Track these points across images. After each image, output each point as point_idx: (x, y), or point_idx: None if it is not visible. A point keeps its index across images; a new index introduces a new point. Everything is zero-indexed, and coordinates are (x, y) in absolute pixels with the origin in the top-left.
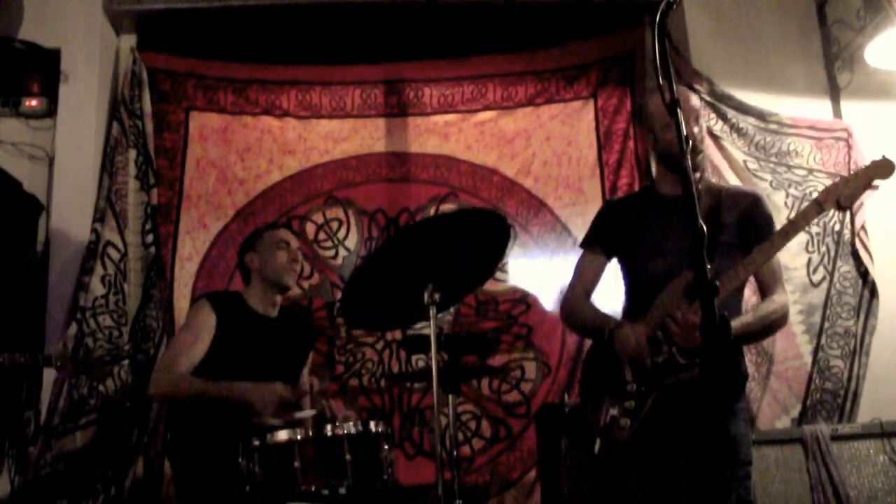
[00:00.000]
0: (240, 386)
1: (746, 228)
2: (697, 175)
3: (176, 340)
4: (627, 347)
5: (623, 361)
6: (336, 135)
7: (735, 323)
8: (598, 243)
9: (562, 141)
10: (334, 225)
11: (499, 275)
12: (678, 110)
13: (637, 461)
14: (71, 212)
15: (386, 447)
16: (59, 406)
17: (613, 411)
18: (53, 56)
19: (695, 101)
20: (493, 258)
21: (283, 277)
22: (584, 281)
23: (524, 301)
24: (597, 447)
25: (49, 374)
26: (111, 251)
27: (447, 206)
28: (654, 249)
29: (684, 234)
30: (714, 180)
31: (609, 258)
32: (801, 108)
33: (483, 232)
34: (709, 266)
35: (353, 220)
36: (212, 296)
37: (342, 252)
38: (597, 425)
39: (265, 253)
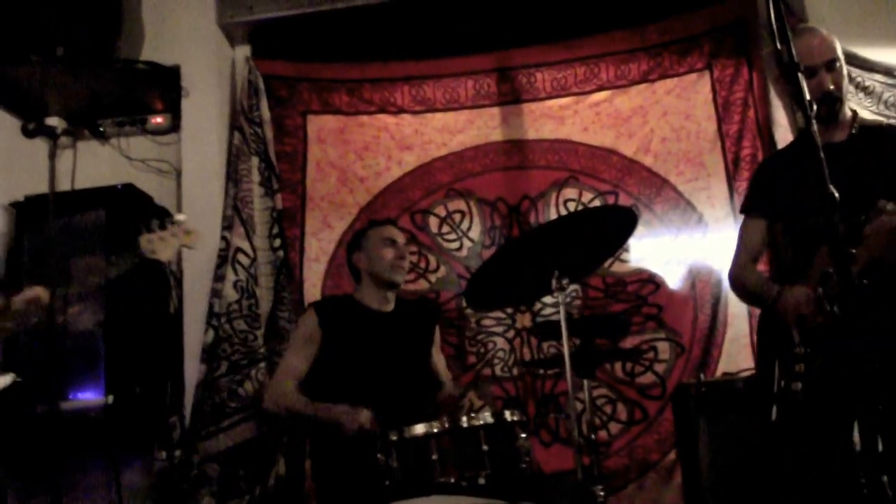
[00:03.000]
0: (334, 409)
1: None
2: (849, 116)
3: (283, 358)
4: (791, 310)
5: (790, 324)
6: (452, 127)
7: None
8: (757, 207)
9: (679, 115)
10: (457, 217)
11: (625, 255)
12: (799, 75)
13: (815, 424)
14: (200, 221)
15: (522, 435)
16: (202, 410)
17: (785, 376)
18: (174, 73)
19: (824, 38)
20: (618, 244)
21: (390, 275)
22: (748, 248)
23: (652, 281)
24: (773, 414)
25: (191, 379)
26: (241, 257)
27: (568, 191)
28: (812, 204)
29: (844, 184)
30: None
31: (771, 220)
32: None
33: (608, 220)
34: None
35: (475, 211)
36: (318, 303)
37: (466, 243)
38: (771, 392)
39: (371, 251)
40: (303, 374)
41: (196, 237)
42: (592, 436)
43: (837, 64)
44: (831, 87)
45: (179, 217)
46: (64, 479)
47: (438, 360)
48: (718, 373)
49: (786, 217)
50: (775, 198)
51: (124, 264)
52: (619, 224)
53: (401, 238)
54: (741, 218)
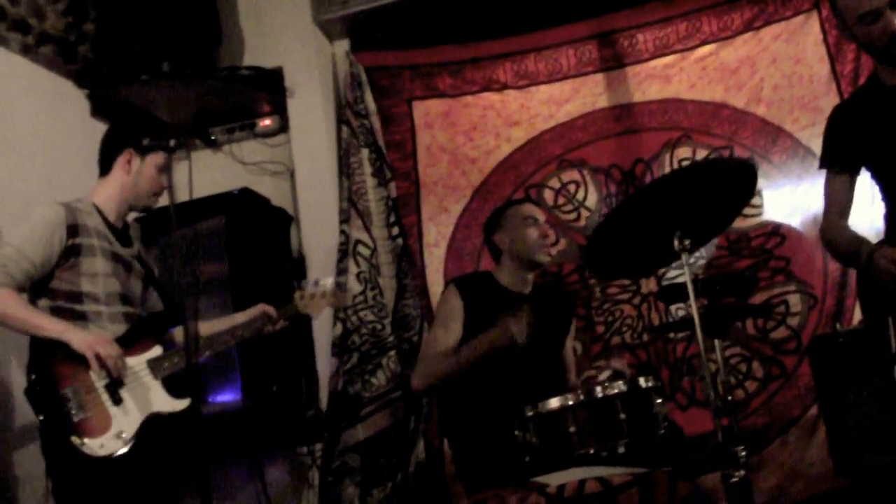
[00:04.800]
0: (474, 342)
1: None
2: None
3: (429, 334)
4: (885, 270)
5: (888, 282)
6: (557, 98)
7: None
8: (836, 160)
9: (789, 61)
10: (571, 188)
11: (746, 210)
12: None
13: None
14: (317, 218)
15: (658, 401)
16: (338, 402)
17: None
18: (277, 75)
19: None
20: (741, 199)
21: (535, 254)
22: (834, 204)
23: (777, 233)
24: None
25: (324, 372)
26: (361, 248)
27: (681, 150)
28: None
29: None
30: None
31: (854, 171)
32: None
33: (727, 175)
34: None
35: (589, 180)
36: (459, 280)
37: (584, 213)
38: (888, 349)
39: (513, 231)
40: (450, 350)
41: (342, 298)
42: (729, 396)
43: None
44: None
45: (326, 281)
46: (211, 479)
47: (569, 351)
48: (855, 321)
49: (870, 166)
50: (854, 148)
51: (284, 313)
52: (738, 179)
53: (541, 216)
54: None
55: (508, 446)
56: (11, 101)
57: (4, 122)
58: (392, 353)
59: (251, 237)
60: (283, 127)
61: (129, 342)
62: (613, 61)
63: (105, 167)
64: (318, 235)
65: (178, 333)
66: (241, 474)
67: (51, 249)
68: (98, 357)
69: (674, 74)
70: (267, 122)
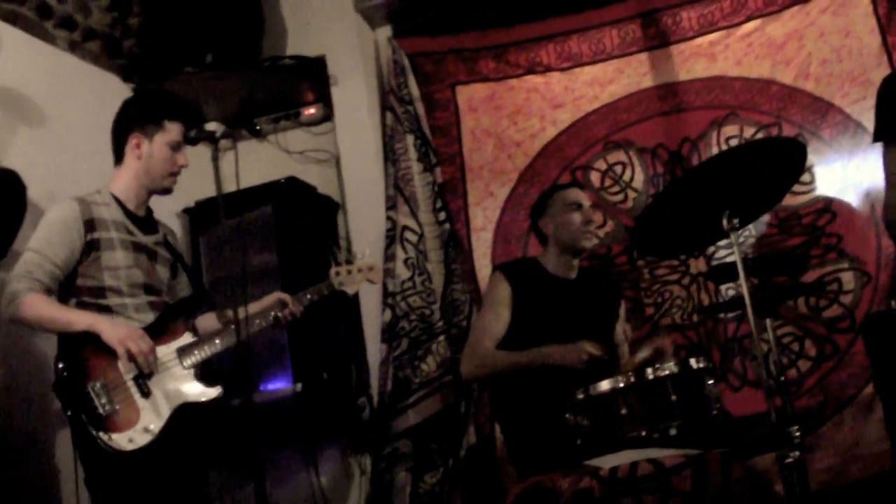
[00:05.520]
0: (547, 350)
1: None
2: None
3: (477, 320)
4: None
5: None
6: (601, 79)
7: None
8: (891, 132)
9: (838, 34)
10: (618, 169)
11: (795, 187)
12: None
13: None
14: (364, 205)
15: (710, 382)
16: (388, 388)
17: None
18: (320, 63)
19: None
20: (790, 177)
21: (579, 240)
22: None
23: (828, 210)
24: None
25: (373, 359)
26: (408, 234)
27: (728, 128)
28: None
29: None
30: None
31: None
32: None
33: (776, 153)
34: None
35: (635, 161)
36: (506, 266)
37: (631, 194)
38: None
39: (558, 216)
40: (500, 336)
41: (379, 273)
42: (782, 376)
43: None
44: None
45: (363, 254)
46: (265, 466)
47: (620, 335)
48: None
49: None
50: None
51: (315, 293)
52: (787, 156)
53: (586, 201)
54: None
55: (560, 430)
56: (60, 97)
57: (54, 117)
58: (441, 338)
59: (299, 225)
60: (328, 115)
61: (158, 331)
62: (657, 40)
63: (118, 155)
64: (364, 222)
65: (201, 322)
66: (294, 461)
67: (71, 247)
68: (129, 353)
69: (719, 52)
70: (311, 110)
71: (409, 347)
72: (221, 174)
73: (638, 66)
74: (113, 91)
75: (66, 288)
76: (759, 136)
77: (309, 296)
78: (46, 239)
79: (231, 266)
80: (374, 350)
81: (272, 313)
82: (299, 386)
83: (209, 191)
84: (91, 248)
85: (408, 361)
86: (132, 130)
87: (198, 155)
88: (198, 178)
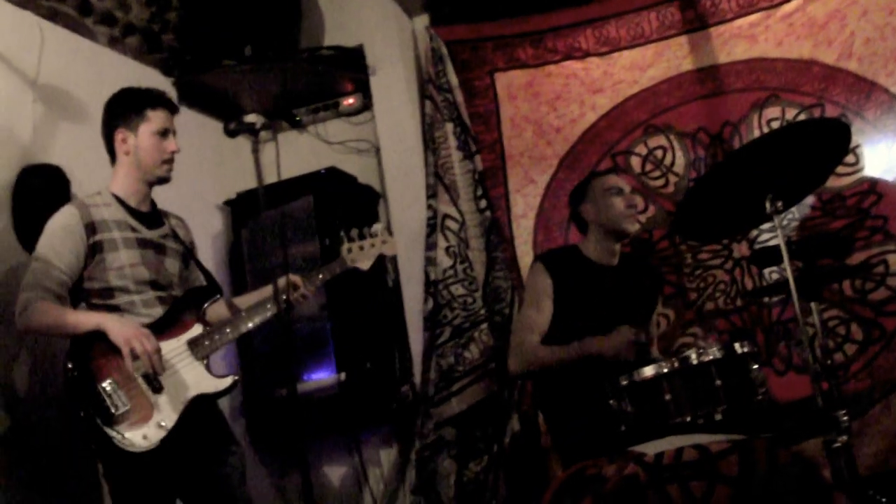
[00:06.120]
0: (589, 342)
1: None
2: None
3: (520, 315)
4: None
5: None
6: (640, 63)
7: None
8: None
9: (881, 12)
10: (658, 153)
11: (839, 169)
12: None
13: None
14: (404, 194)
15: (755, 366)
16: (431, 376)
17: None
18: (358, 53)
19: None
20: (833, 159)
21: (622, 225)
22: None
23: (873, 191)
24: None
25: (416, 348)
26: (449, 223)
27: (770, 110)
28: None
29: None
30: None
31: None
32: None
33: (818, 135)
34: None
35: (676, 145)
36: (545, 256)
37: (672, 179)
38: None
39: (599, 202)
40: (544, 329)
41: (393, 246)
42: (828, 360)
43: None
44: None
45: (376, 227)
46: (310, 455)
47: (653, 324)
48: None
49: None
50: None
51: (328, 272)
52: (830, 138)
53: (626, 186)
54: None
55: (603, 416)
56: (101, 93)
57: (96, 113)
58: (484, 325)
59: (340, 215)
60: (367, 105)
61: (167, 324)
62: (696, 23)
63: (112, 155)
64: (405, 211)
65: (212, 312)
66: (338, 450)
67: (76, 252)
68: (133, 352)
69: (759, 33)
70: (350, 100)
71: (452, 335)
72: (262, 165)
73: (677, 50)
74: (154, 85)
75: (76, 293)
76: (802, 117)
77: (321, 275)
78: (50, 247)
79: (273, 257)
80: (417, 339)
81: (283, 296)
82: (343, 376)
83: (250, 182)
84: (95, 250)
85: (451, 349)
86: (117, 127)
87: (238, 147)
88: (239, 170)
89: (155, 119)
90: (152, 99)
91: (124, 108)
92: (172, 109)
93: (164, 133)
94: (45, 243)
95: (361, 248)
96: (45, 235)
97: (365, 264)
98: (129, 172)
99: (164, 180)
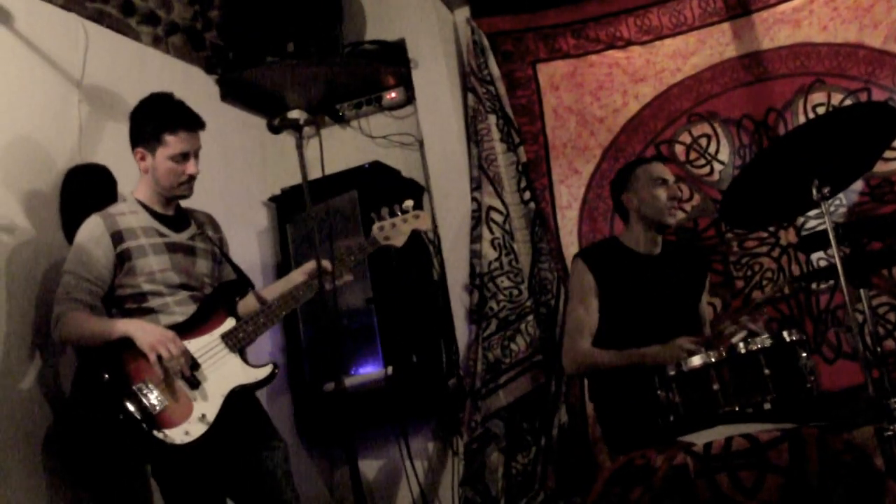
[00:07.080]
0: (646, 352)
1: None
2: None
3: (569, 314)
4: None
5: None
6: (683, 51)
7: None
8: None
9: None
10: (703, 141)
11: (888, 153)
12: None
13: None
14: (449, 186)
15: (804, 355)
16: (478, 369)
17: None
18: (400, 47)
19: None
20: (881, 143)
21: (664, 216)
22: None
23: None
24: None
25: (463, 340)
26: (494, 215)
27: (815, 95)
28: None
29: None
30: None
31: None
32: None
33: (865, 119)
34: None
35: (720, 133)
36: (586, 253)
37: (717, 167)
38: None
39: (642, 191)
40: (594, 328)
41: (426, 219)
42: (878, 347)
43: None
44: None
45: (407, 203)
46: (358, 449)
47: (705, 308)
48: None
49: None
50: None
51: (360, 252)
52: (877, 122)
53: (671, 176)
54: None
55: (652, 407)
56: (146, 92)
57: None
58: (530, 317)
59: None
60: (409, 98)
61: (200, 321)
62: (739, 9)
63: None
64: (450, 204)
65: (242, 305)
66: (386, 444)
67: (105, 262)
68: (160, 358)
69: (803, 17)
70: (393, 94)
71: (498, 328)
72: (306, 161)
73: (720, 37)
74: (197, 84)
75: (109, 300)
76: (848, 102)
77: (353, 256)
78: (79, 259)
79: (319, 252)
80: (463, 332)
81: (316, 282)
82: (390, 369)
83: (295, 178)
84: (123, 258)
85: (497, 342)
86: (136, 145)
87: (282, 143)
88: (283, 166)
89: (173, 144)
90: (172, 121)
91: (143, 129)
92: (194, 127)
93: (184, 156)
94: (73, 257)
95: (394, 225)
96: (74, 248)
97: (399, 241)
98: (149, 185)
99: (183, 197)
